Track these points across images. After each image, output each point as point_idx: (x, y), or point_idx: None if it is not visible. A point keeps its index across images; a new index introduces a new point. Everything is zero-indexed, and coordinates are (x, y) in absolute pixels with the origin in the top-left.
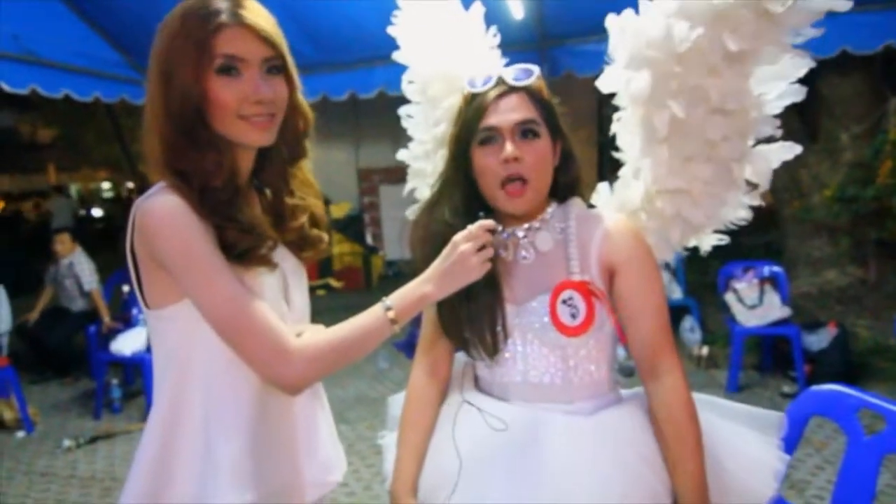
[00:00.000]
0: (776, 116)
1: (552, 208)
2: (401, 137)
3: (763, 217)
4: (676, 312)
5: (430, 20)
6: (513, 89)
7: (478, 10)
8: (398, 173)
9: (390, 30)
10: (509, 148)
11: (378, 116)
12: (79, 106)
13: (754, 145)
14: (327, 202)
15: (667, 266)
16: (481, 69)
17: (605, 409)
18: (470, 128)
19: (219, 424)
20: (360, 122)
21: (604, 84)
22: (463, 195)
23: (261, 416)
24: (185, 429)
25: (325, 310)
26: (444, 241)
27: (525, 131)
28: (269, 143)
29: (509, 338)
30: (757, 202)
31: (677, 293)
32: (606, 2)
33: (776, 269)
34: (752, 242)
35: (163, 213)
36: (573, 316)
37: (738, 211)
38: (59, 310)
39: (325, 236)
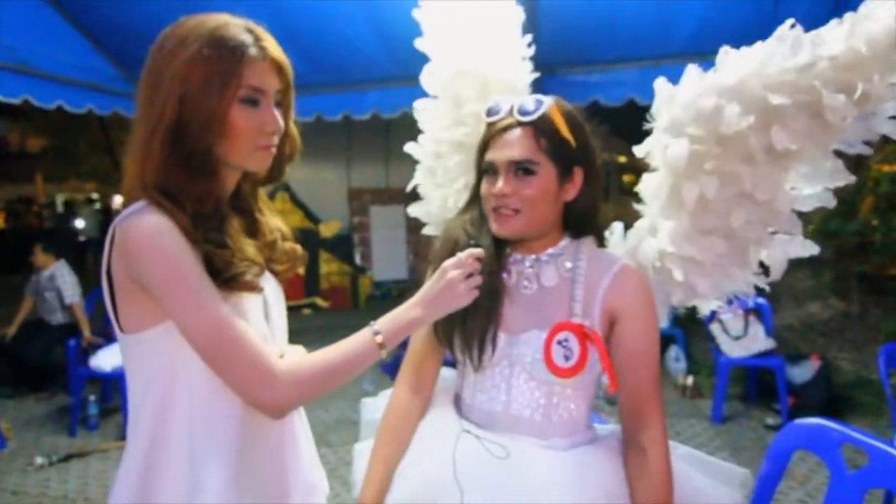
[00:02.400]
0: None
1: (564, 243)
2: (392, 159)
3: None
4: (662, 342)
5: (462, 11)
6: (519, 123)
7: (516, 13)
8: (389, 194)
9: (415, 12)
10: (500, 184)
11: (370, 138)
12: (70, 117)
13: (773, 233)
14: (317, 221)
15: None
16: (501, 94)
17: (580, 446)
18: (479, 156)
19: (204, 450)
20: (352, 143)
21: (641, 149)
22: (479, 211)
23: (246, 440)
24: (169, 455)
25: (312, 329)
26: (458, 246)
27: (520, 169)
28: (266, 169)
29: (497, 366)
30: (764, 284)
31: (664, 323)
32: (598, 36)
33: (760, 300)
34: None
35: (146, 231)
36: (566, 358)
37: (743, 287)
38: (38, 322)
39: (299, 247)
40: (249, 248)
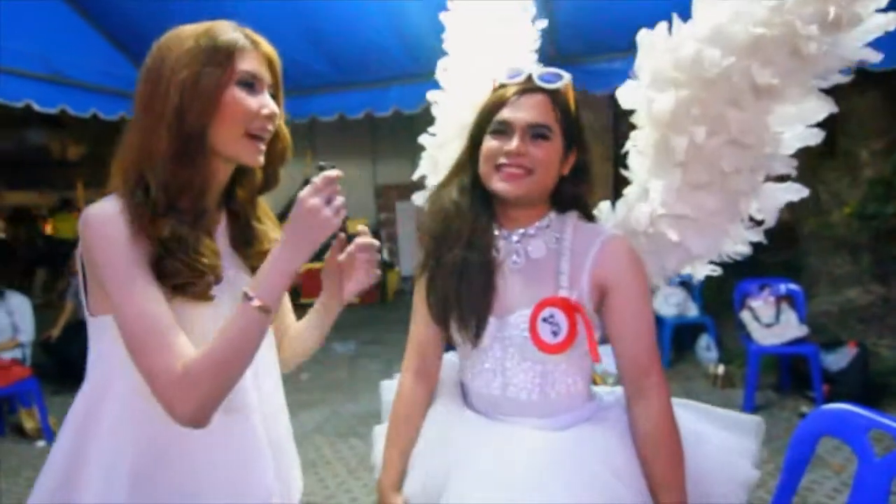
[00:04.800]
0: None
1: (550, 216)
2: (417, 155)
3: (782, 234)
4: (693, 330)
5: (481, 10)
6: (538, 89)
7: (529, 8)
8: (415, 190)
9: (442, 15)
10: (515, 143)
11: (395, 134)
12: (106, 124)
13: (764, 182)
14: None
15: (683, 283)
16: (516, 63)
17: (580, 423)
18: (487, 116)
19: (125, 437)
20: (377, 140)
21: (624, 98)
22: (471, 178)
23: (164, 438)
24: (97, 434)
25: (341, 325)
26: (448, 217)
27: (536, 134)
28: (258, 164)
29: (490, 350)
30: (759, 238)
31: (694, 311)
32: (620, 23)
33: (793, 286)
34: (771, 260)
35: (95, 220)
36: (554, 333)
37: (738, 245)
38: (80, 323)
39: None
40: (209, 255)
